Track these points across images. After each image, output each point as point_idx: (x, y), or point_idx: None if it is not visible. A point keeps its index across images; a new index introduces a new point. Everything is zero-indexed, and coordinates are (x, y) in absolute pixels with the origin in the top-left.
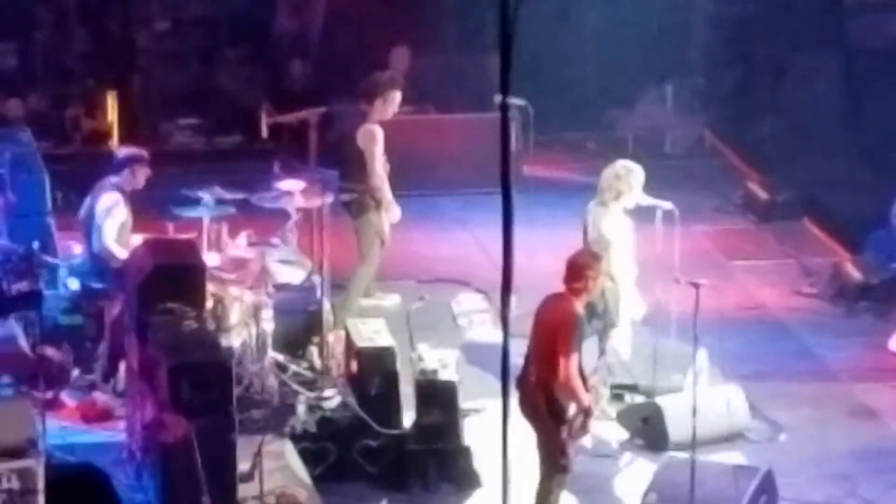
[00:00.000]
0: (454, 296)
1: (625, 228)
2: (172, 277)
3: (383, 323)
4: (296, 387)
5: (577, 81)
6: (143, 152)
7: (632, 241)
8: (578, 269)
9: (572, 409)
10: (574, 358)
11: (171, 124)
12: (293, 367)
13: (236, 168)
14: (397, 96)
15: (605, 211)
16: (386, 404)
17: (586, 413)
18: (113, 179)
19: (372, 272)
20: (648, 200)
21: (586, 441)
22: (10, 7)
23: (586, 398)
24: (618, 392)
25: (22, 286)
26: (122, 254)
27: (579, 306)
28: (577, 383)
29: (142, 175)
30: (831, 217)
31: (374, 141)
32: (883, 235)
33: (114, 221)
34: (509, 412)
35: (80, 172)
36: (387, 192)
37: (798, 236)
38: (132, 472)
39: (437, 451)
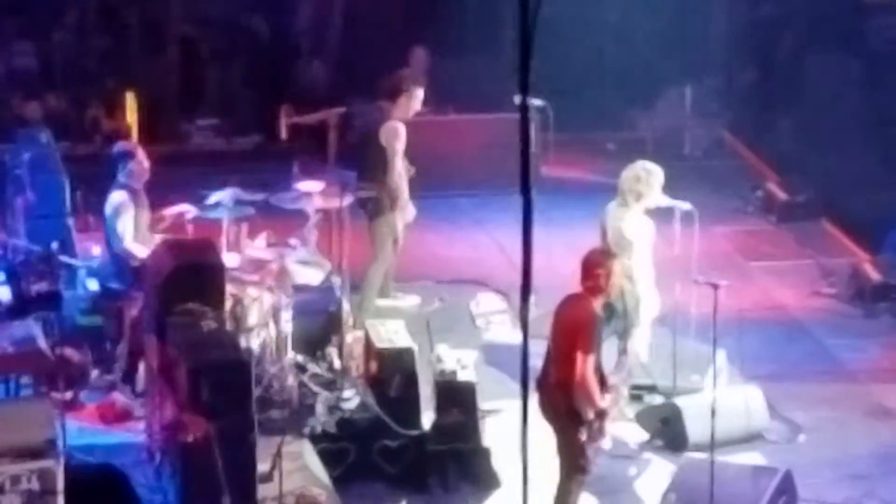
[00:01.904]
0: (473, 296)
1: (646, 229)
2: (192, 278)
3: (402, 324)
4: (315, 387)
5: (597, 82)
6: (133, 144)
7: (651, 242)
8: (589, 268)
9: (591, 410)
10: (591, 358)
11: (190, 125)
12: (312, 368)
13: (255, 169)
14: (420, 93)
15: (625, 212)
16: (405, 405)
17: (601, 415)
18: (120, 179)
19: (384, 270)
20: (667, 201)
21: (605, 442)
22: (29, 8)
23: (601, 399)
24: (637, 393)
25: (41, 287)
26: (141, 252)
27: (597, 306)
28: (593, 384)
29: (143, 166)
30: (850, 217)
31: (397, 138)
32: None
33: (125, 220)
34: (529, 413)
35: (99, 173)
36: (404, 192)
37: (817, 237)
38: (151, 472)
39: (456, 451)
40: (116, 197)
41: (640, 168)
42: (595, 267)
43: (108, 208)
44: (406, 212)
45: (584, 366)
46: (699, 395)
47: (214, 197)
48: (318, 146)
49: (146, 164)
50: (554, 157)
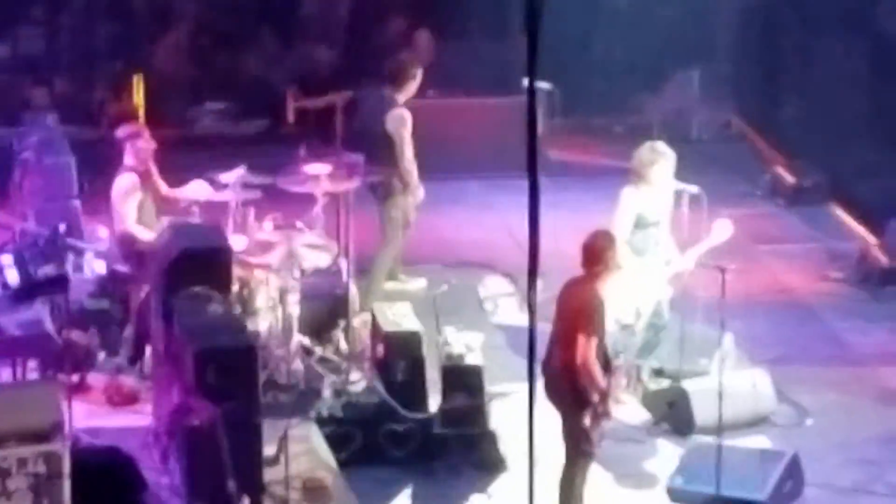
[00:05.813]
0: (480, 280)
1: (663, 208)
2: (198, 261)
3: (409, 307)
4: (322, 371)
5: (605, 66)
6: (138, 125)
7: (667, 221)
8: (597, 252)
9: (595, 393)
10: (593, 341)
11: (197, 108)
12: (319, 352)
13: (262, 152)
14: (419, 74)
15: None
16: (412, 388)
17: (603, 396)
18: (127, 162)
19: (394, 254)
20: (676, 185)
21: (611, 425)
22: None
23: (603, 381)
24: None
25: (48, 270)
26: (145, 235)
27: (600, 290)
28: (595, 367)
29: (146, 150)
30: (858, 201)
31: (404, 125)
32: None
33: (131, 203)
34: (536, 396)
35: (106, 156)
36: (414, 175)
37: (825, 220)
38: (158, 455)
39: (463, 435)
40: (125, 180)
41: (647, 147)
42: (602, 252)
43: (115, 191)
44: (416, 194)
45: (587, 349)
46: (706, 379)
47: (223, 177)
48: (324, 130)
49: (152, 144)
50: (561, 140)
